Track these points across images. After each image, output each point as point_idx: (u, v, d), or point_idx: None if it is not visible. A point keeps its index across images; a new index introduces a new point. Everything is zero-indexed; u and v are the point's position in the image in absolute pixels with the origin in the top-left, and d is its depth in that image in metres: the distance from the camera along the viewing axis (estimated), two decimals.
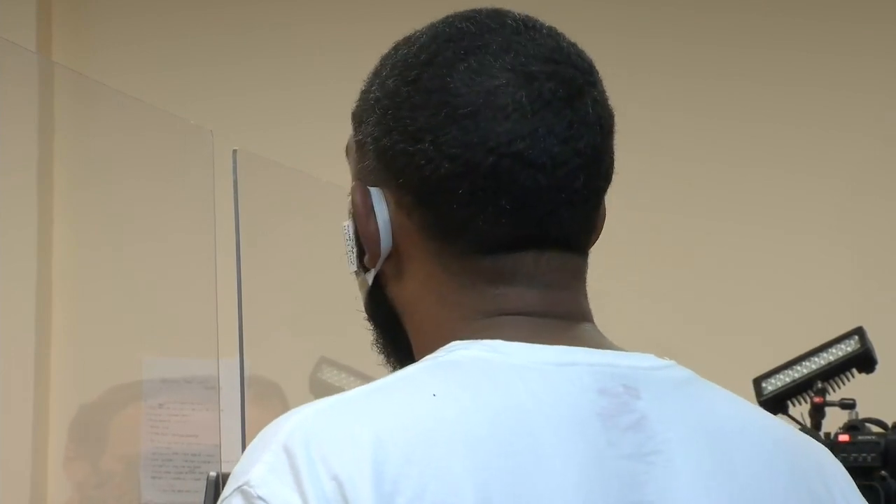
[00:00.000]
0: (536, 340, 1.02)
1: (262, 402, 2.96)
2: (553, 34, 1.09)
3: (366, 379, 3.14)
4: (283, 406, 3.09)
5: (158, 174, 3.29)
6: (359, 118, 1.14)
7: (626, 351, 1.06)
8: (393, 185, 1.08)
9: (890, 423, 2.81)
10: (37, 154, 3.87)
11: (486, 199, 1.03)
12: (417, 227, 1.07)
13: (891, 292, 3.92)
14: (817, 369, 2.83)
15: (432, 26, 1.11)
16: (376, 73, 1.13)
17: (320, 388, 3.04)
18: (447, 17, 1.11)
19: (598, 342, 1.06)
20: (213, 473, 2.32)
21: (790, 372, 2.82)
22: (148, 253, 3.21)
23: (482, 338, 1.02)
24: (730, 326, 3.82)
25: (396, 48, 1.13)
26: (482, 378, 0.99)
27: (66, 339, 3.86)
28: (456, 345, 1.02)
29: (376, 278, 1.13)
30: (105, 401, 3.06)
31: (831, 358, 2.84)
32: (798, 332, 3.05)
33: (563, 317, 1.06)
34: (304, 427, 0.97)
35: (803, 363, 2.84)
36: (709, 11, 4.05)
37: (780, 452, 1.05)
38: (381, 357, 1.17)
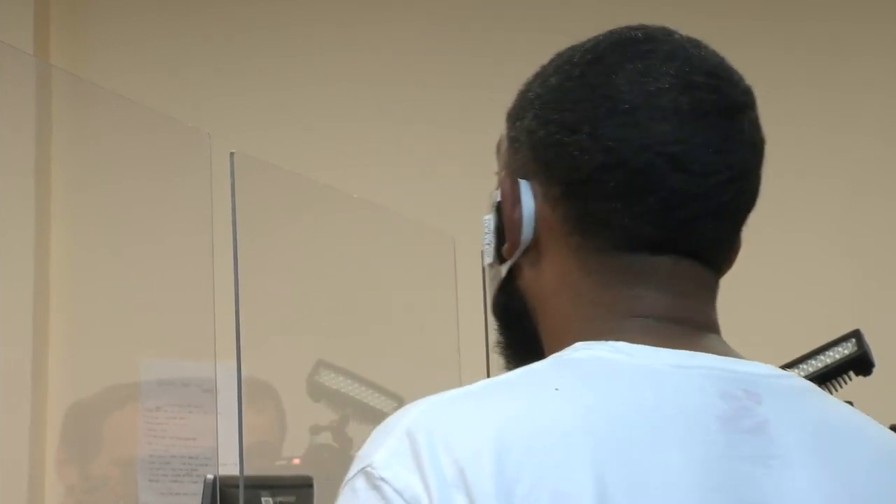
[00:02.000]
0: (660, 344, 1.04)
1: (259, 404, 2.96)
2: (717, 55, 1.12)
3: (363, 382, 3.14)
4: (281, 409, 3.09)
5: (156, 177, 3.29)
6: (515, 115, 1.14)
7: (748, 360, 1.08)
8: (542, 177, 1.09)
9: (887, 426, 2.81)
10: (34, 156, 3.87)
11: (633, 196, 1.05)
12: (561, 220, 1.08)
13: (888, 295, 3.92)
14: (814, 372, 2.83)
15: (599, 35, 1.13)
16: (537, 76, 1.15)
17: (317, 391, 3.04)
18: (614, 28, 1.13)
19: (723, 350, 1.08)
20: (210, 476, 2.32)
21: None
22: (145, 255, 3.21)
23: (607, 339, 1.04)
24: (726, 329, 3.81)
25: (560, 54, 1.14)
26: (604, 376, 1.01)
27: (63, 342, 3.86)
28: (580, 345, 1.04)
29: (510, 272, 1.14)
30: (102, 403, 3.06)
31: (828, 361, 2.84)
32: (795, 334, 3.05)
33: (690, 324, 1.08)
34: (428, 415, 0.99)
35: (800, 366, 2.84)
36: (706, 10, 4.05)
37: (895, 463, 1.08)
38: (502, 360, 1.18)
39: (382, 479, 0.95)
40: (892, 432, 1.13)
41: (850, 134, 4.02)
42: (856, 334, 2.87)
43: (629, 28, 1.12)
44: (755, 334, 3.80)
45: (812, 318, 3.69)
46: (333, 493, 0.96)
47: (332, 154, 4.08)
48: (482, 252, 1.16)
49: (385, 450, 0.97)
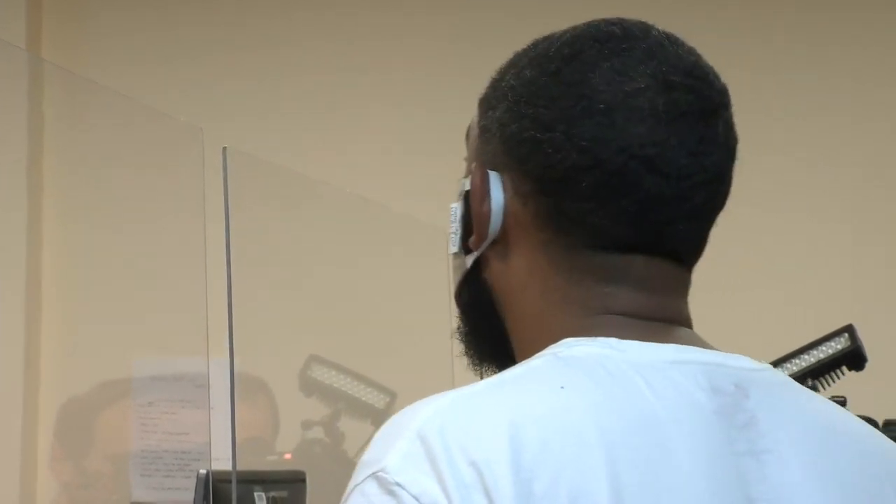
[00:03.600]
0: (648, 339, 1.04)
1: (251, 399, 2.96)
2: (694, 52, 1.11)
3: (355, 377, 3.14)
4: (273, 404, 3.09)
5: (148, 171, 3.29)
6: (487, 104, 1.13)
7: (728, 353, 1.08)
8: (514, 172, 1.08)
9: (880, 421, 2.81)
10: (27, 151, 3.86)
11: (608, 197, 1.04)
12: (531, 216, 1.07)
13: (881, 289, 3.92)
14: (807, 367, 2.83)
15: (577, 27, 1.12)
16: (512, 65, 1.13)
17: (310, 386, 3.04)
18: (592, 21, 1.12)
19: (703, 345, 1.08)
20: (203, 471, 2.32)
21: (780, 369, 2.83)
22: (137, 251, 3.21)
23: (596, 335, 1.03)
24: (718, 324, 3.81)
25: (535, 44, 1.13)
26: (604, 373, 1.00)
27: (55, 338, 3.85)
28: (571, 341, 1.03)
29: (475, 263, 1.13)
30: (95, 399, 3.06)
31: (821, 356, 2.84)
32: (787, 329, 3.05)
33: (667, 321, 1.07)
34: (438, 416, 0.97)
35: (793, 361, 2.84)
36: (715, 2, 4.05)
37: (875, 455, 1.08)
38: (461, 346, 1.17)
39: (398, 483, 0.93)
40: (867, 424, 1.12)
41: (847, 133, 4.02)
42: (848, 329, 2.87)
43: (607, 22, 1.10)
44: (748, 329, 3.81)
45: (804, 313, 3.69)
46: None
47: (324, 149, 4.08)
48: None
49: (396, 452, 0.95)
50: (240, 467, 2.28)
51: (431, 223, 3.01)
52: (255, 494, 2.30)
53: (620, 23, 1.10)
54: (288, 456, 2.99)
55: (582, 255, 1.06)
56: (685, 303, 1.11)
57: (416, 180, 3.98)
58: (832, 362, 2.85)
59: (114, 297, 3.28)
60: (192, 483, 2.32)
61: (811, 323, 2.99)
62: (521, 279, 1.09)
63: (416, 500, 0.93)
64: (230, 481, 2.26)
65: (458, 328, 1.17)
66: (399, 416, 0.99)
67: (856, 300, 3.86)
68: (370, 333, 3.02)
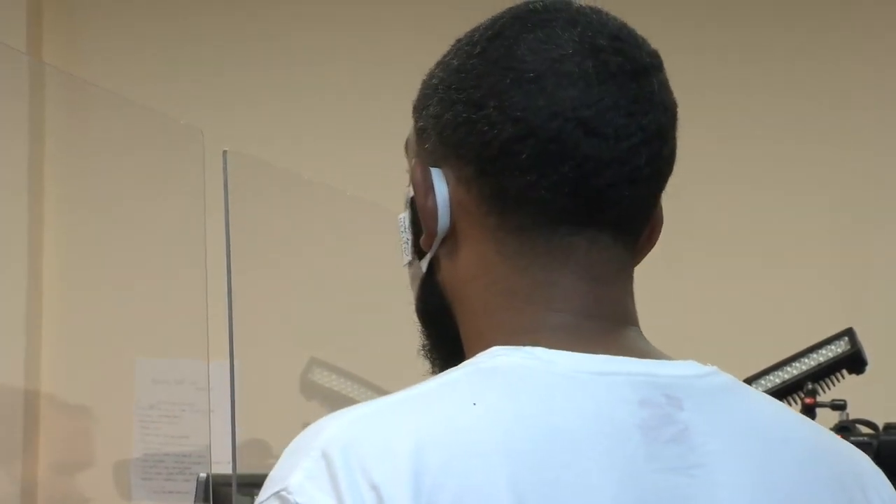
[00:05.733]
0: (578, 347, 1.01)
1: (252, 403, 2.96)
2: (619, 19, 1.09)
3: (356, 380, 3.14)
4: (274, 407, 3.09)
5: (149, 174, 3.29)
6: (420, 106, 1.11)
7: (669, 358, 1.05)
8: (454, 160, 1.06)
9: (880, 425, 2.81)
10: (27, 155, 3.86)
11: (547, 165, 1.02)
12: (476, 201, 1.05)
13: (881, 293, 3.92)
14: (808, 370, 2.83)
15: (497, 13, 1.10)
16: (438, 63, 1.12)
17: (311, 390, 3.04)
18: (513, 5, 1.10)
19: (642, 349, 1.05)
20: (203, 474, 2.32)
21: (780, 373, 2.83)
22: (138, 254, 3.21)
23: (525, 342, 1.01)
24: (720, 327, 3.82)
25: (458, 39, 1.12)
26: (522, 387, 0.98)
27: (56, 341, 3.85)
28: (497, 350, 1.01)
29: (430, 267, 1.10)
30: (95, 402, 3.06)
31: (821, 359, 2.84)
32: (788, 332, 3.05)
33: (607, 318, 1.05)
34: (343, 434, 0.96)
35: (794, 364, 2.84)
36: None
37: (822, 460, 1.05)
38: (427, 363, 1.14)
39: None
40: (818, 427, 1.10)
41: (848, 133, 4.02)
42: (849, 332, 2.87)
43: (527, 2, 1.09)
44: (749, 334, 3.81)
45: (805, 316, 3.69)
46: None
47: (325, 152, 4.08)
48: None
49: (300, 472, 0.94)
50: (240, 470, 2.28)
51: None
52: (256, 498, 2.31)
53: (541, 0, 1.09)
54: None
55: (528, 238, 1.04)
56: (630, 297, 1.07)
57: None
58: (832, 365, 2.85)
59: (114, 300, 3.28)
60: (192, 486, 2.33)
61: (812, 326, 2.99)
62: (469, 272, 1.07)
63: None
64: (230, 484, 2.26)
65: (423, 345, 1.14)
66: (306, 432, 0.98)
67: (856, 303, 3.86)
68: (371, 336, 3.02)
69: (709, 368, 1.05)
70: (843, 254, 3.98)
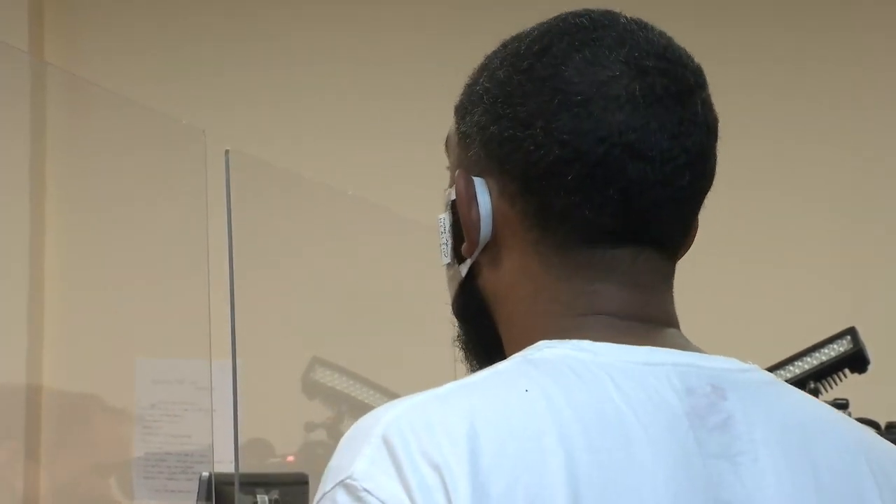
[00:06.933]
0: (623, 341, 1.03)
1: (254, 402, 2.96)
2: (665, 35, 1.10)
3: (358, 379, 3.14)
4: (276, 406, 3.09)
5: (151, 174, 3.29)
6: (464, 110, 1.11)
7: (710, 354, 1.07)
8: (497, 174, 1.07)
9: (883, 424, 2.81)
10: (29, 154, 3.87)
11: (593, 188, 1.03)
12: (519, 217, 1.07)
13: (882, 292, 3.92)
14: (810, 369, 2.83)
15: (544, 23, 1.11)
16: (483, 67, 1.13)
17: (313, 389, 3.04)
18: (559, 15, 1.11)
19: (683, 346, 1.07)
20: (205, 473, 2.32)
21: (783, 372, 2.83)
22: (140, 253, 3.22)
23: (570, 337, 1.03)
24: (722, 327, 3.82)
25: (505, 45, 1.13)
26: (571, 376, 1.00)
27: (58, 340, 3.86)
28: (543, 344, 1.03)
29: (469, 270, 1.12)
30: (97, 401, 3.06)
31: (824, 358, 2.85)
32: (790, 332, 3.05)
33: (650, 320, 1.07)
34: (400, 419, 0.97)
35: (796, 363, 2.84)
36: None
37: (861, 453, 1.07)
38: (461, 353, 1.16)
39: (367, 490, 0.94)
40: (855, 422, 1.12)
41: (848, 134, 4.03)
42: (851, 332, 2.87)
43: (574, 14, 1.10)
44: (751, 332, 3.81)
45: (807, 315, 3.69)
46: None
47: (327, 152, 4.08)
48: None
49: (363, 459, 0.95)
50: (242, 470, 2.29)
51: (434, 225, 3.01)
52: (258, 497, 2.31)
53: (588, 14, 1.09)
54: (291, 458, 2.99)
55: (571, 252, 1.06)
56: (671, 301, 1.10)
57: (418, 183, 3.98)
58: (834, 364, 2.85)
59: (116, 300, 3.28)
60: (194, 485, 2.33)
61: (814, 325, 2.99)
62: (511, 281, 1.09)
63: None
64: (233, 483, 2.26)
65: (458, 336, 1.16)
66: (364, 420, 1.00)
67: (858, 303, 3.86)
68: (373, 336, 3.02)
69: (749, 365, 1.07)
70: (845, 253, 3.98)
